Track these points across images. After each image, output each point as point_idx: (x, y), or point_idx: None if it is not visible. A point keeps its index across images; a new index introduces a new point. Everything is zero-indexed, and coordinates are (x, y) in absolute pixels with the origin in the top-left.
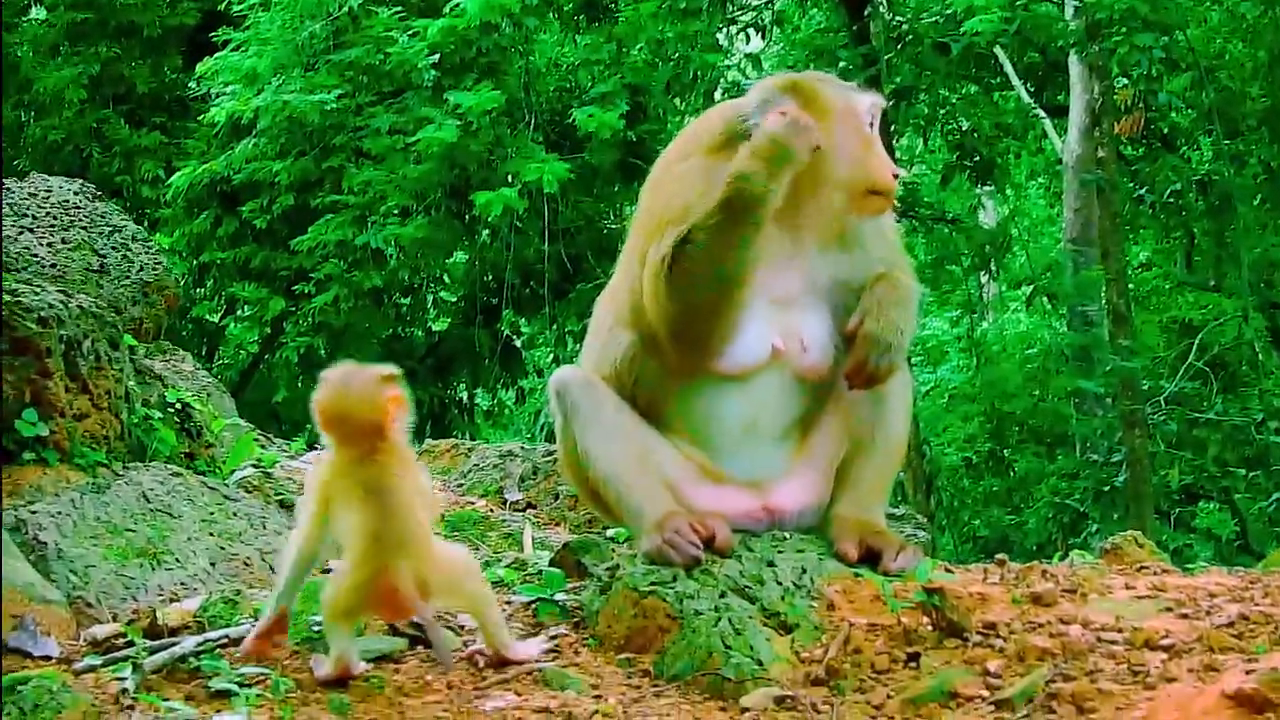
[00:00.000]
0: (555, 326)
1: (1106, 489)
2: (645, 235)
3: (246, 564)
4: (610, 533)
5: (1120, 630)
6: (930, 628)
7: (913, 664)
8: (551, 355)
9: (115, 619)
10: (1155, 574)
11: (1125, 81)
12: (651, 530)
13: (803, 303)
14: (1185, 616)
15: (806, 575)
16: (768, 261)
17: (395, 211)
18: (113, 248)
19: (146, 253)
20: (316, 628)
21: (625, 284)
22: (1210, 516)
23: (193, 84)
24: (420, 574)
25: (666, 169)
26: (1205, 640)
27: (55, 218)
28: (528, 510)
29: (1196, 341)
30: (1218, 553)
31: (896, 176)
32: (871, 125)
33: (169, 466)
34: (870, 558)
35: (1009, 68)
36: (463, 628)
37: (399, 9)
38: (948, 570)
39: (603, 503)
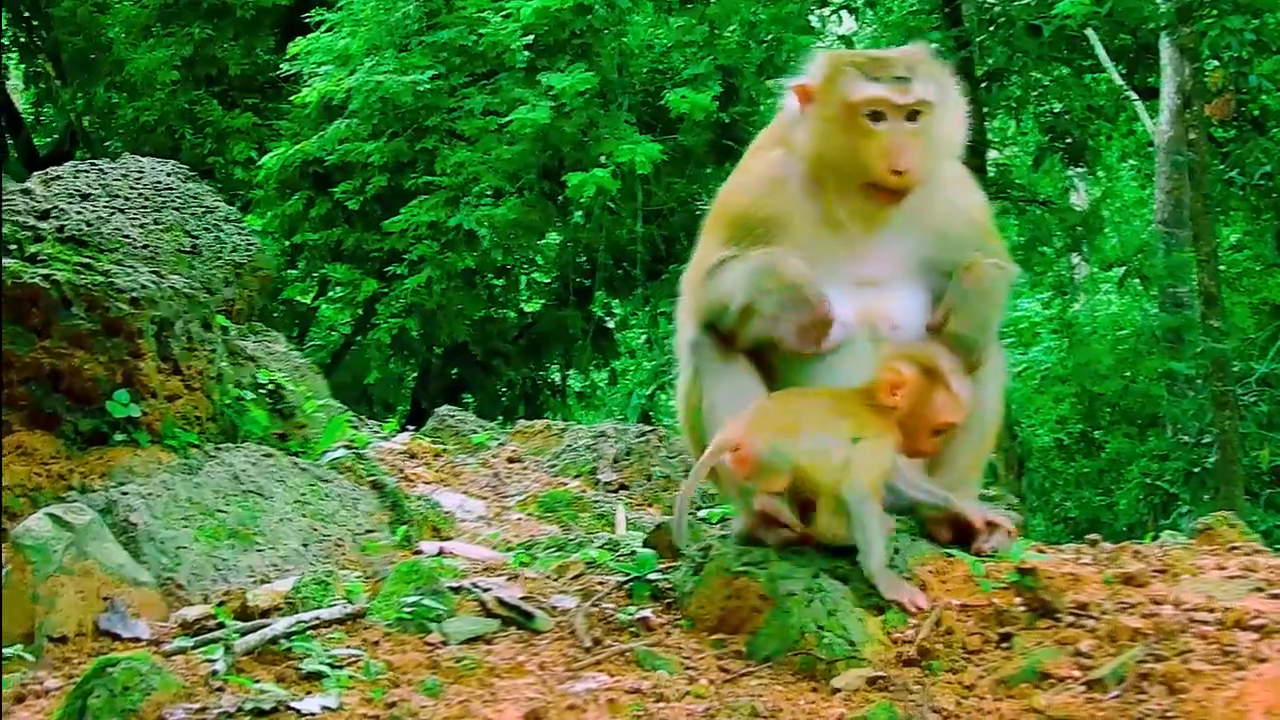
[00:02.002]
0: (648, 308)
1: (1197, 470)
2: (706, 235)
3: (338, 545)
4: (703, 513)
5: (1211, 610)
6: (1022, 608)
7: (1004, 644)
8: (644, 337)
9: (206, 600)
10: (1247, 554)
11: (1216, 64)
12: (747, 508)
13: (890, 283)
14: (1276, 597)
15: (899, 555)
16: (850, 245)
17: (488, 192)
18: (205, 229)
19: (239, 234)
20: (408, 609)
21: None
22: None
23: (285, 65)
24: None
25: (740, 167)
26: None
27: (148, 199)
28: (620, 491)
29: None
30: None
31: (899, 173)
32: (876, 118)
33: (261, 447)
34: (962, 538)
35: (1100, 50)
36: (555, 608)
37: None
38: (1039, 551)
39: (714, 469)
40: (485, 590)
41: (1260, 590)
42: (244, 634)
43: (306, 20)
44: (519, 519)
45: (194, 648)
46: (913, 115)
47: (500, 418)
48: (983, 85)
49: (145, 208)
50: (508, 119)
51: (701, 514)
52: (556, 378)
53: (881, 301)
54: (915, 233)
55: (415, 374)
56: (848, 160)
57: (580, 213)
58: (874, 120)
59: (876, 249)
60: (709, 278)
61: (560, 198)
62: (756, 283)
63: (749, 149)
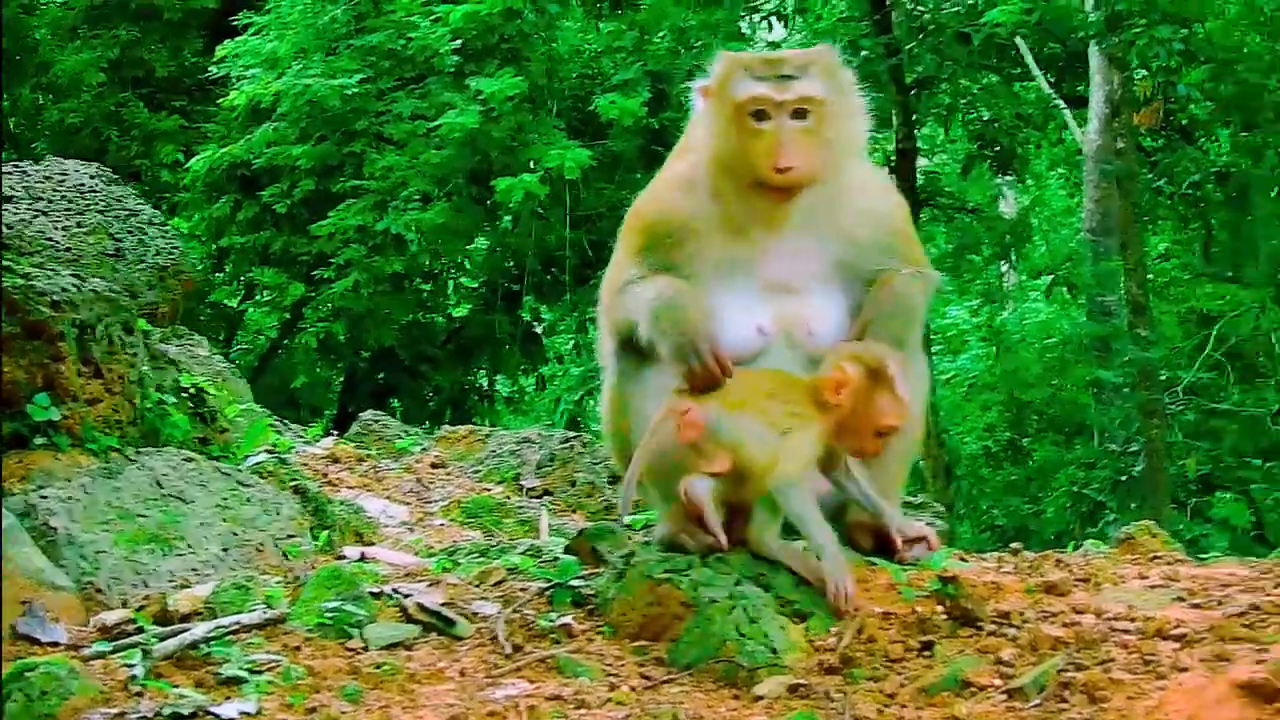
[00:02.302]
0: (576, 313)
1: (1124, 478)
2: (620, 242)
3: (259, 550)
4: (626, 520)
5: (1133, 620)
6: (944, 616)
7: (926, 652)
8: (573, 342)
9: (125, 605)
10: (1168, 564)
11: (1145, 73)
12: (670, 515)
13: (807, 289)
14: (1197, 606)
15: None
16: (757, 248)
17: (416, 197)
18: (129, 231)
19: (163, 237)
20: (329, 615)
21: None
22: (1226, 507)
23: (213, 67)
24: None
25: (658, 174)
26: (1217, 630)
27: (71, 201)
28: (544, 497)
29: (1214, 332)
30: (1234, 543)
31: (781, 170)
32: (760, 117)
33: (182, 451)
34: (885, 546)
35: (1029, 58)
36: (476, 614)
37: None
38: (962, 559)
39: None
40: (406, 596)
41: (1181, 600)
42: (163, 639)
43: (234, 23)
44: (442, 525)
45: (113, 652)
46: (799, 113)
47: (427, 423)
48: (912, 93)
49: (68, 210)
50: (436, 123)
51: (625, 520)
52: (484, 383)
53: (798, 308)
54: (824, 234)
55: (342, 378)
56: (737, 160)
57: (509, 218)
58: (758, 119)
59: (785, 252)
60: (621, 294)
61: (489, 202)
62: (655, 320)
63: (669, 155)
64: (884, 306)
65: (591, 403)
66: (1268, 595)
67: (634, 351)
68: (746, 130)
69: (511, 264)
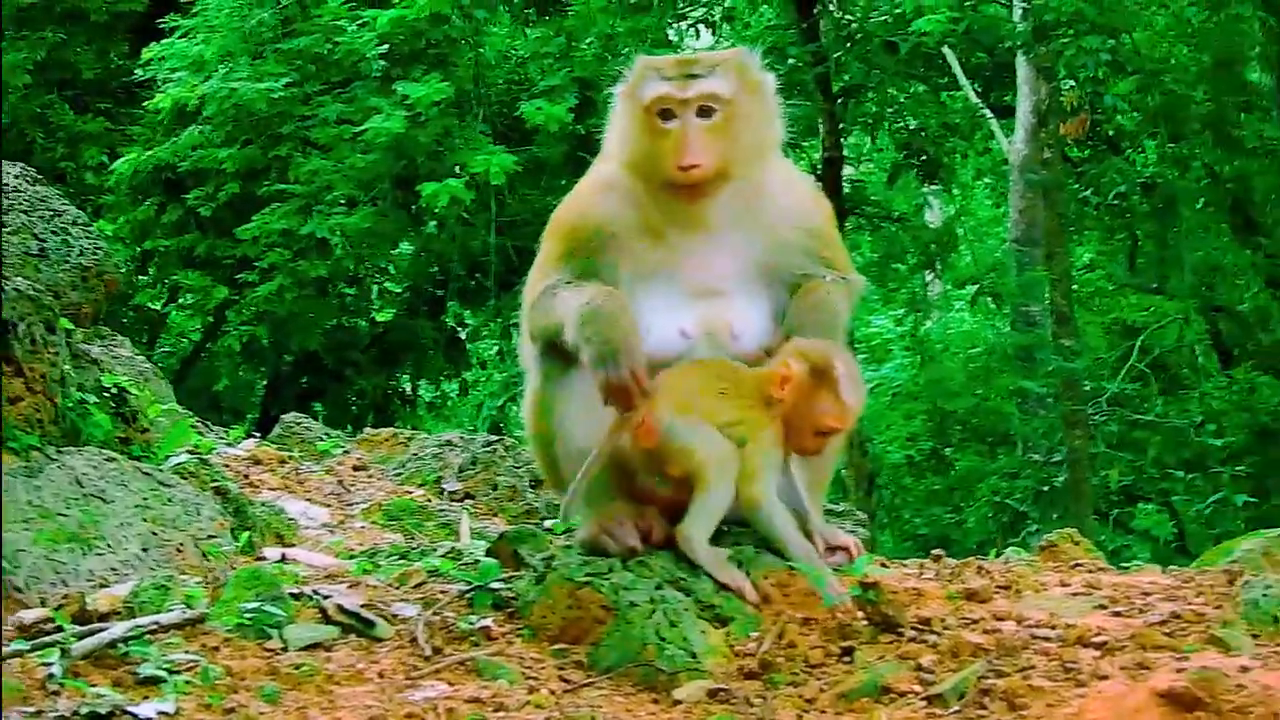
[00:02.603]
0: (500, 319)
1: (1047, 489)
2: (543, 246)
3: (179, 550)
4: (548, 524)
5: (1054, 627)
6: (865, 622)
7: (846, 658)
8: (496, 348)
9: (44, 604)
10: (1090, 571)
11: (1072, 83)
12: (591, 519)
13: (730, 291)
14: (1118, 614)
15: (742, 568)
16: (677, 250)
17: (341, 201)
18: (52, 232)
19: (87, 238)
20: (248, 615)
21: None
22: (1149, 518)
23: (139, 70)
24: None
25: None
26: (1138, 638)
27: None
28: (465, 500)
29: (1138, 343)
30: (1155, 554)
31: (686, 168)
32: (666, 116)
33: (103, 451)
34: None
35: (957, 68)
36: (395, 616)
37: None
38: (883, 565)
39: (558, 475)
40: (326, 597)
41: (1103, 608)
42: (81, 638)
43: (161, 26)
44: (363, 527)
45: (31, 651)
46: (704, 111)
47: (350, 427)
48: (839, 101)
49: None
50: (362, 128)
51: (547, 524)
52: (407, 387)
53: (721, 311)
54: (745, 235)
55: (265, 382)
56: (645, 161)
57: (434, 223)
58: (664, 119)
59: (706, 254)
60: (546, 297)
61: (414, 207)
62: (581, 327)
63: (595, 160)
64: (808, 313)
65: (514, 408)
66: (1189, 604)
67: (559, 356)
68: (654, 130)
69: (436, 269)
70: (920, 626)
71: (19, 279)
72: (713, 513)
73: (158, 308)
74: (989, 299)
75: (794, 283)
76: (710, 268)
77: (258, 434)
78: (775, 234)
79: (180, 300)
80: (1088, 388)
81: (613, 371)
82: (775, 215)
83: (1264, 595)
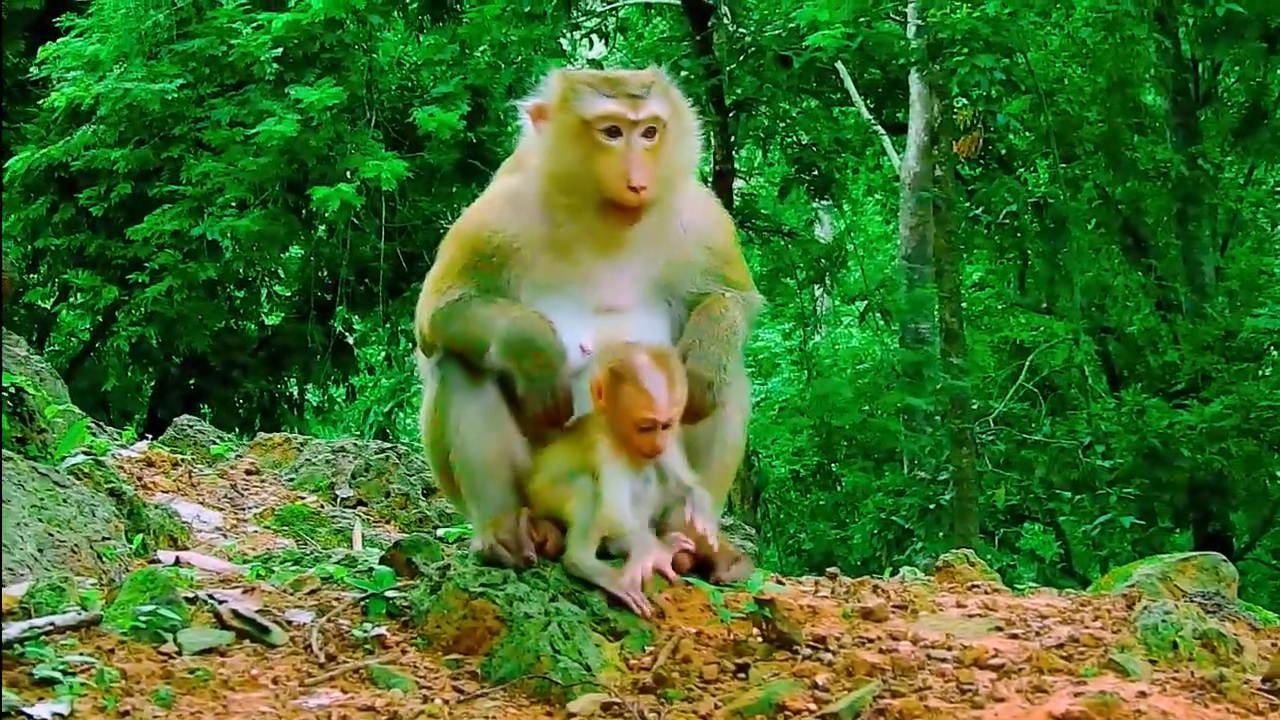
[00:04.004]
0: (389, 325)
1: (932, 506)
2: (443, 254)
3: (74, 551)
4: (441, 532)
5: (950, 648)
6: (760, 639)
7: (741, 675)
8: (384, 354)
9: None
10: (986, 593)
11: (965, 102)
12: (487, 529)
13: (628, 308)
14: (1015, 637)
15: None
16: (585, 270)
17: (232, 204)
18: None
19: None
20: (143, 618)
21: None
22: (1035, 538)
23: (34, 69)
24: None
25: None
26: (1035, 661)
27: None
28: (358, 507)
29: (1027, 363)
30: (1041, 574)
31: (635, 189)
32: (612, 134)
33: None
34: (702, 567)
35: (850, 84)
36: (290, 622)
37: (244, 1)
38: (779, 582)
39: (452, 484)
40: (221, 602)
41: (999, 629)
42: None
43: (57, 24)
44: (255, 531)
45: None
46: (648, 132)
47: (237, 430)
48: (731, 114)
49: None
50: (255, 131)
51: (440, 533)
52: (294, 391)
53: (619, 327)
54: (651, 255)
55: (153, 383)
56: (583, 178)
57: (324, 227)
58: (610, 136)
59: (613, 274)
60: (457, 310)
61: (305, 211)
62: (510, 350)
63: (496, 173)
64: (705, 330)
65: (401, 415)
66: (1086, 627)
67: (459, 365)
68: (597, 147)
69: (325, 274)
70: (816, 644)
71: None
72: (588, 535)
73: (48, 307)
74: (878, 315)
75: (693, 300)
76: (612, 285)
77: (149, 435)
78: (679, 252)
79: (70, 299)
80: (975, 406)
81: (546, 398)
82: (680, 234)
83: (1162, 621)
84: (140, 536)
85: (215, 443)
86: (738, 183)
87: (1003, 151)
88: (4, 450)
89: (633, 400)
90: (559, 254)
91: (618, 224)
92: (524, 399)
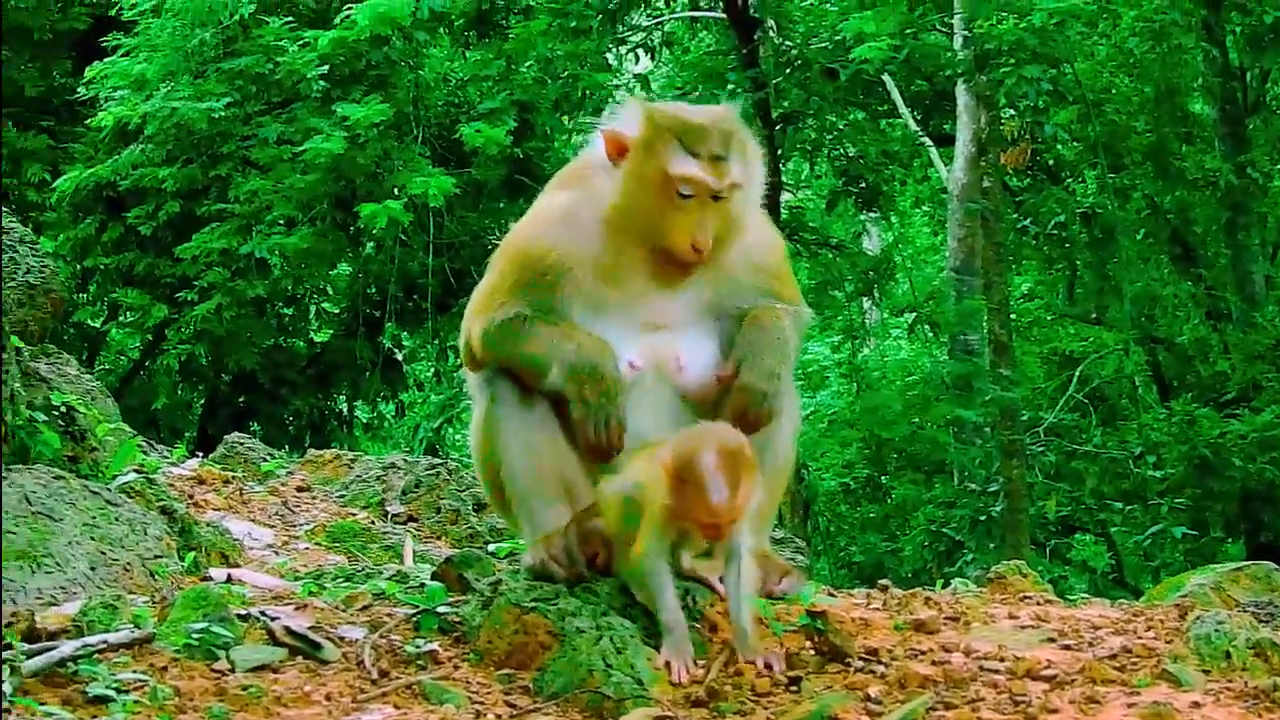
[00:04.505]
0: (437, 341)
1: (983, 518)
2: (495, 268)
3: (126, 569)
4: (492, 547)
5: (1002, 660)
6: (812, 652)
7: (794, 688)
8: (433, 370)
9: None
10: (1038, 604)
11: (1012, 112)
12: (538, 544)
13: (679, 325)
14: (1068, 648)
15: (689, 595)
16: (639, 295)
17: (280, 221)
18: None
19: (34, 255)
20: (196, 635)
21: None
22: (1086, 549)
23: (81, 88)
24: None
25: (536, 203)
26: (1088, 672)
27: None
28: (409, 523)
29: (1076, 373)
30: (1092, 585)
31: (698, 250)
32: (683, 194)
33: (52, 469)
34: None
35: (897, 95)
36: (342, 639)
37: (290, 19)
38: (830, 595)
39: (503, 500)
40: (273, 619)
41: (1052, 640)
42: (30, 656)
43: (104, 44)
44: (307, 548)
45: None
46: (722, 196)
47: (286, 447)
48: (778, 127)
49: None
50: (302, 148)
51: (491, 548)
52: (344, 408)
53: (669, 344)
54: (705, 281)
55: (203, 401)
56: (649, 226)
57: (372, 244)
58: (684, 196)
59: (664, 298)
60: (514, 328)
61: (352, 228)
62: (574, 378)
63: (546, 186)
64: (757, 340)
65: (450, 430)
66: (1138, 638)
67: (510, 381)
68: (670, 203)
69: (374, 290)
70: (868, 657)
71: None
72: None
73: (97, 325)
74: (926, 327)
75: (742, 314)
76: (664, 307)
77: (200, 453)
78: (732, 275)
79: (120, 318)
80: (1025, 417)
81: (601, 427)
82: (734, 257)
83: (1215, 630)
84: (192, 554)
85: (266, 460)
86: (785, 195)
87: (1050, 162)
88: (55, 468)
89: (695, 503)
90: (611, 277)
91: (674, 269)
92: (579, 425)
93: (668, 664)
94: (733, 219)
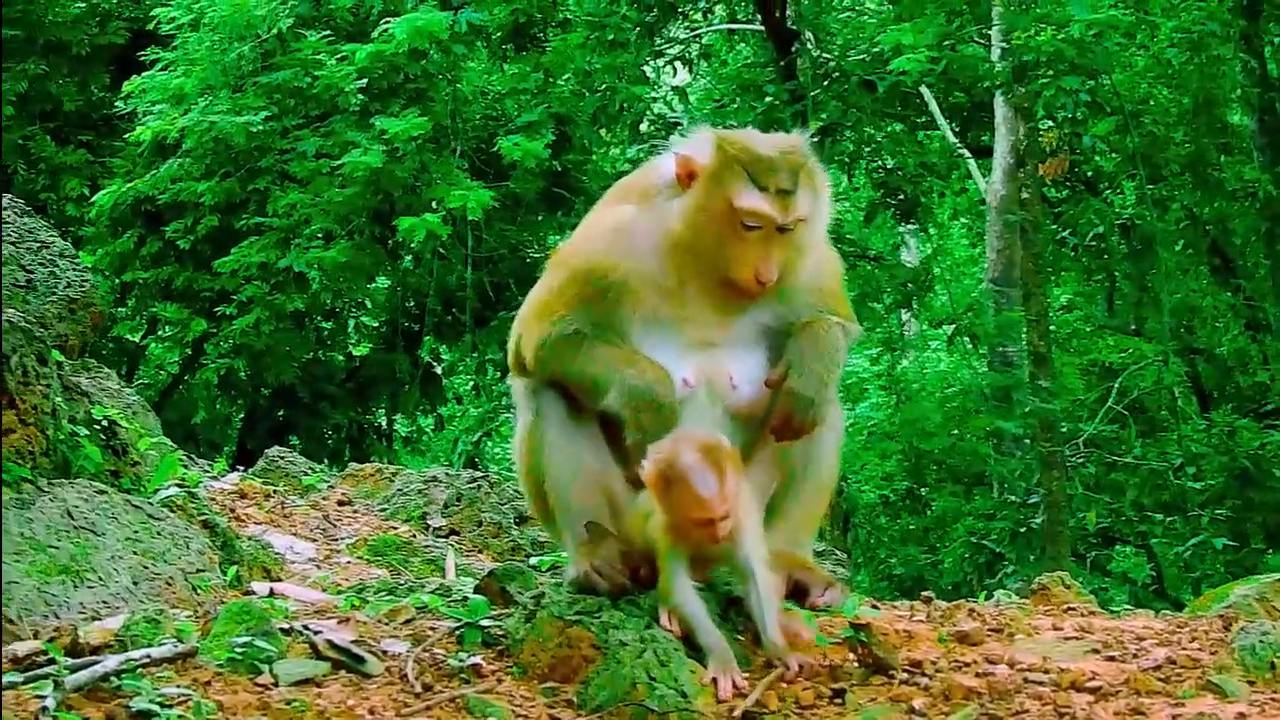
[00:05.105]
0: (476, 354)
1: (1023, 530)
2: (550, 278)
3: (169, 583)
4: (534, 560)
5: (1047, 671)
6: (856, 664)
7: (838, 700)
8: (472, 383)
9: (36, 636)
10: (1082, 615)
11: (1050, 124)
12: (581, 557)
13: (731, 344)
14: (1112, 659)
15: (733, 608)
16: (696, 315)
17: (319, 235)
18: (40, 263)
19: (74, 269)
20: (239, 650)
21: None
22: (1126, 560)
23: (120, 103)
24: None
25: (595, 214)
26: (1132, 683)
27: None
28: (450, 537)
29: (1116, 385)
30: (1133, 596)
31: (762, 282)
32: (748, 226)
33: (94, 484)
34: (797, 592)
35: (934, 107)
36: (385, 652)
37: (328, 33)
38: (874, 607)
39: (547, 511)
40: (316, 633)
41: (1096, 652)
42: (74, 670)
43: (142, 58)
44: (349, 562)
45: (24, 683)
46: (787, 229)
47: (325, 460)
48: (816, 139)
49: None
50: (340, 162)
51: (533, 561)
52: (383, 422)
53: (721, 361)
54: (766, 306)
55: (242, 414)
56: (713, 255)
57: (410, 257)
58: (749, 228)
59: (723, 320)
60: (572, 348)
61: (391, 242)
62: (631, 403)
63: (604, 197)
64: (806, 348)
65: (490, 444)
66: (1183, 649)
67: (557, 393)
68: (736, 234)
69: (412, 303)
70: (912, 669)
71: (10, 310)
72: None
73: (136, 339)
74: (965, 339)
75: (793, 327)
76: (718, 325)
77: (240, 467)
78: (791, 297)
79: (159, 332)
80: (1065, 429)
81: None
82: (798, 281)
83: (1260, 641)
84: (234, 568)
85: (307, 474)
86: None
87: (1089, 173)
88: (97, 483)
89: (685, 501)
90: (671, 298)
91: (735, 295)
92: (632, 451)
93: (714, 681)
94: (798, 249)
